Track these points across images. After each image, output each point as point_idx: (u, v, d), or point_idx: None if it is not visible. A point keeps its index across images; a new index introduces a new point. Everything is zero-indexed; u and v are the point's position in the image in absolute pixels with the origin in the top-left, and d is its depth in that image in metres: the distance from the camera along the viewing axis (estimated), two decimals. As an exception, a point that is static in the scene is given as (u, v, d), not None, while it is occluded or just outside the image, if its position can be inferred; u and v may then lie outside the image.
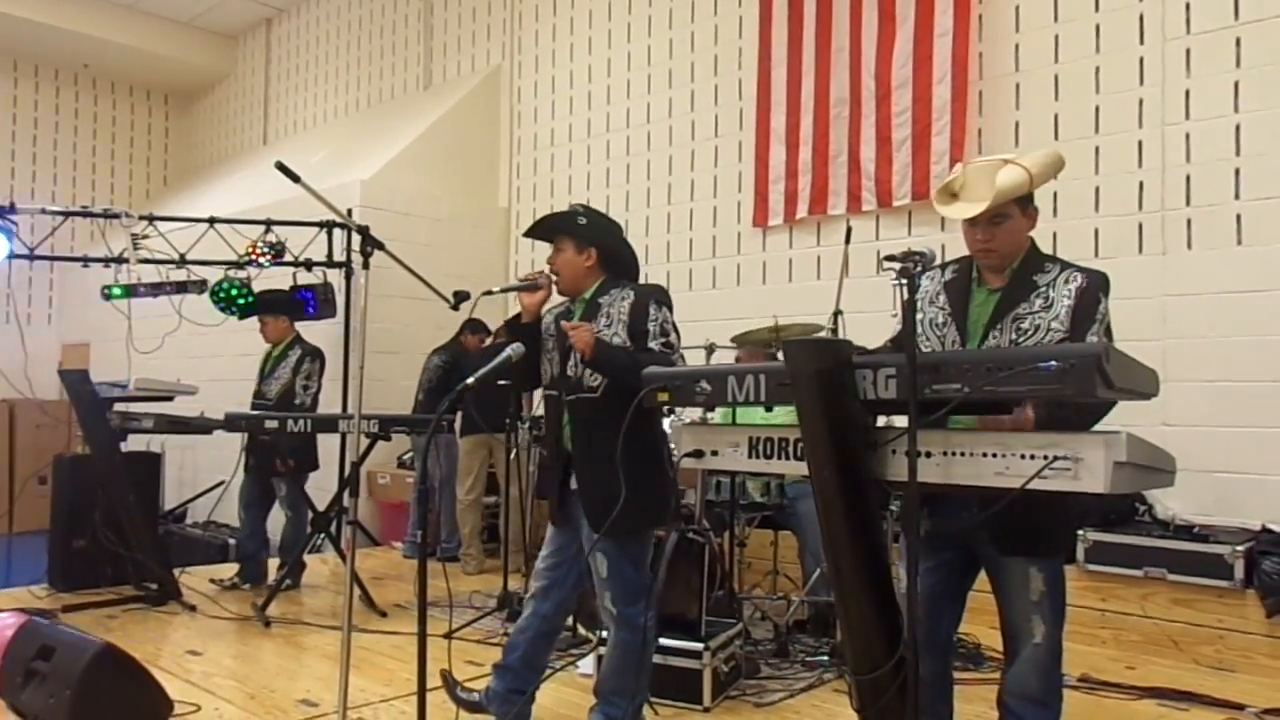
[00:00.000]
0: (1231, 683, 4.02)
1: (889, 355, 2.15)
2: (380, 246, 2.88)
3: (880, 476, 2.19)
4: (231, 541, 6.82)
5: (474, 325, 6.71)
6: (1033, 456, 1.98)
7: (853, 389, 2.14)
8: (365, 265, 2.84)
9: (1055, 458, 1.94)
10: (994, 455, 2.04)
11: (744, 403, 2.35)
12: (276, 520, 5.97)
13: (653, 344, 3.01)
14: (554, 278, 3.16)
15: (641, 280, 3.30)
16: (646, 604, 3.08)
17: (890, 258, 2.21)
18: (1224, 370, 4.85)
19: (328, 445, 7.08)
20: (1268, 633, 4.16)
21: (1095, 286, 2.48)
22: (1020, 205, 2.53)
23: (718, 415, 4.62)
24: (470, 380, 2.78)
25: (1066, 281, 2.49)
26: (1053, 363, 1.87)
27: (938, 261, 2.46)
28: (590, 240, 3.16)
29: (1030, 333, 2.47)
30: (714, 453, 2.50)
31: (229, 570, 6.17)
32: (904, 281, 2.08)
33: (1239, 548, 4.28)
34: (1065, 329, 2.44)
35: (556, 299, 3.26)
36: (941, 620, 2.63)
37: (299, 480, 5.77)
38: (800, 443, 2.28)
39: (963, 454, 2.09)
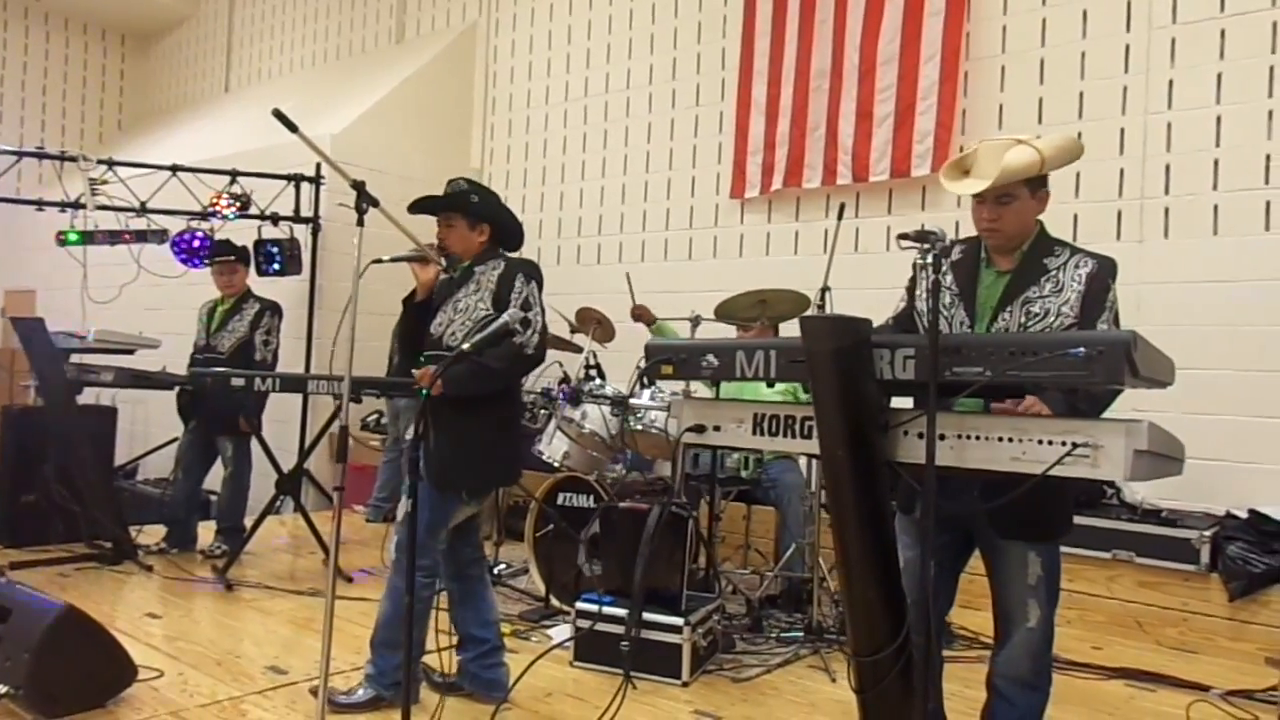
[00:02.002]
0: (1195, 664, 4.10)
1: (909, 335, 2.11)
2: (375, 204, 2.76)
3: (892, 458, 2.16)
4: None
5: None
6: (1051, 442, 1.96)
7: (870, 369, 2.10)
8: (360, 223, 2.73)
9: (1075, 445, 1.92)
10: (1010, 440, 2.02)
11: (752, 378, 2.31)
12: (214, 483, 5.81)
13: (510, 313, 3.09)
14: (447, 253, 3.26)
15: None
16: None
17: (904, 235, 2.18)
18: (1195, 358, 4.89)
19: (289, 405, 6.94)
20: (1230, 615, 4.25)
21: (1105, 273, 2.48)
22: (1030, 187, 2.50)
23: (700, 389, 4.57)
24: (466, 346, 2.71)
25: (1077, 266, 2.48)
26: (1081, 349, 1.84)
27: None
28: (483, 217, 3.28)
29: (1040, 316, 2.45)
30: (716, 428, 2.46)
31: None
32: (928, 260, 2.03)
33: (1205, 532, 4.36)
34: (1075, 314, 2.43)
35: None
36: (936, 602, 2.62)
37: (247, 440, 5.59)
38: (808, 421, 2.24)
39: (978, 437, 2.06)
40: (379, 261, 2.99)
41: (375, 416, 7.48)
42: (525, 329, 3.09)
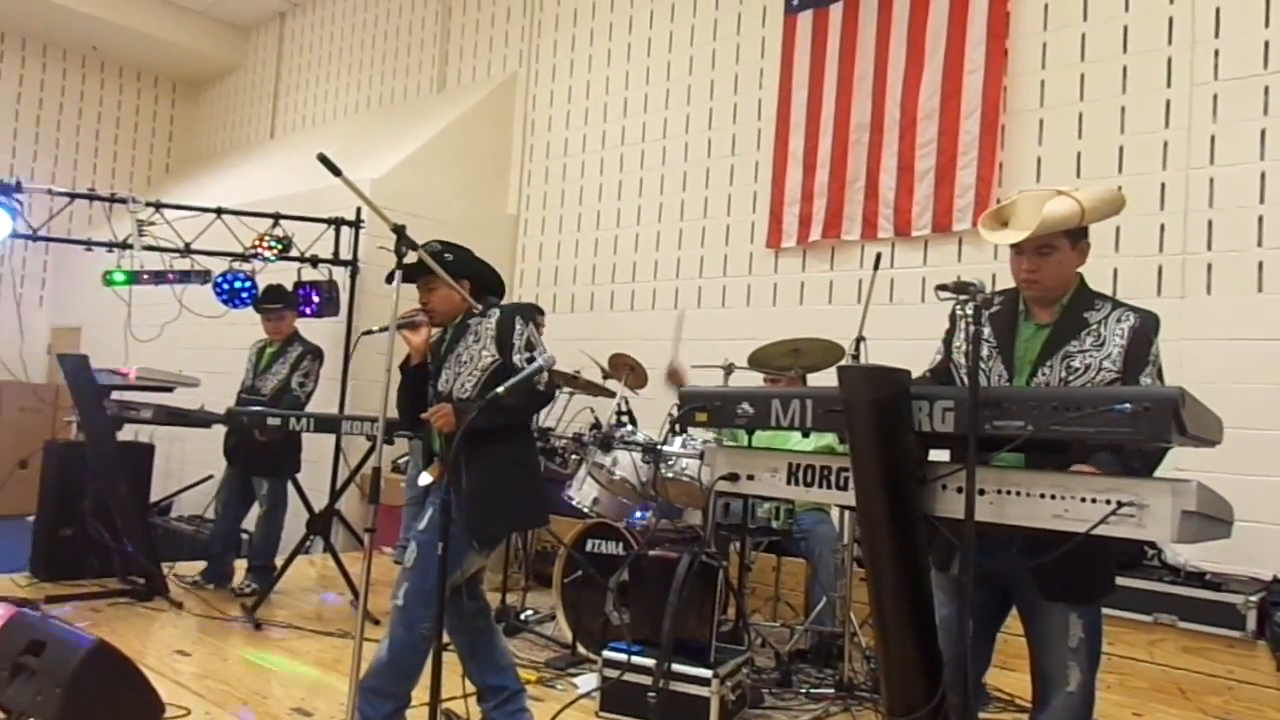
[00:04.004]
0: (1240, 736, 3.97)
1: (948, 387, 2.08)
2: (415, 247, 2.81)
3: (929, 512, 2.12)
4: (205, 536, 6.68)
5: None
6: (1095, 500, 1.92)
7: (909, 420, 2.07)
8: (399, 265, 2.76)
9: (1120, 504, 1.88)
10: (1053, 497, 1.98)
11: (788, 427, 2.29)
12: (250, 522, 5.86)
13: (517, 356, 3.15)
14: (431, 315, 3.24)
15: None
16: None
17: (943, 286, 2.16)
18: (1239, 418, 4.75)
19: (322, 446, 6.98)
20: (1278, 685, 4.10)
21: (1148, 327, 2.44)
22: (1070, 239, 2.48)
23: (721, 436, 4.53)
24: (501, 389, 2.71)
25: (1119, 321, 2.45)
26: (1127, 405, 1.81)
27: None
28: (460, 274, 3.29)
29: (1081, 371, 2.41)
30: (750, 477, 2.43)
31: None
32: (969, 311, 2.02)
33: (1252, 598, 4.22)
34: (1117, 369, 2.39)
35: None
36: (973, 662, 2.56)
37: (283, 481, 5.66)
38: (844, 472, 2.22)
39: (1018, 493, 2.02)
40: (369, 333, 3.00)
41: (407, 458, 7.49)
42: (538, 372, 3.13)
